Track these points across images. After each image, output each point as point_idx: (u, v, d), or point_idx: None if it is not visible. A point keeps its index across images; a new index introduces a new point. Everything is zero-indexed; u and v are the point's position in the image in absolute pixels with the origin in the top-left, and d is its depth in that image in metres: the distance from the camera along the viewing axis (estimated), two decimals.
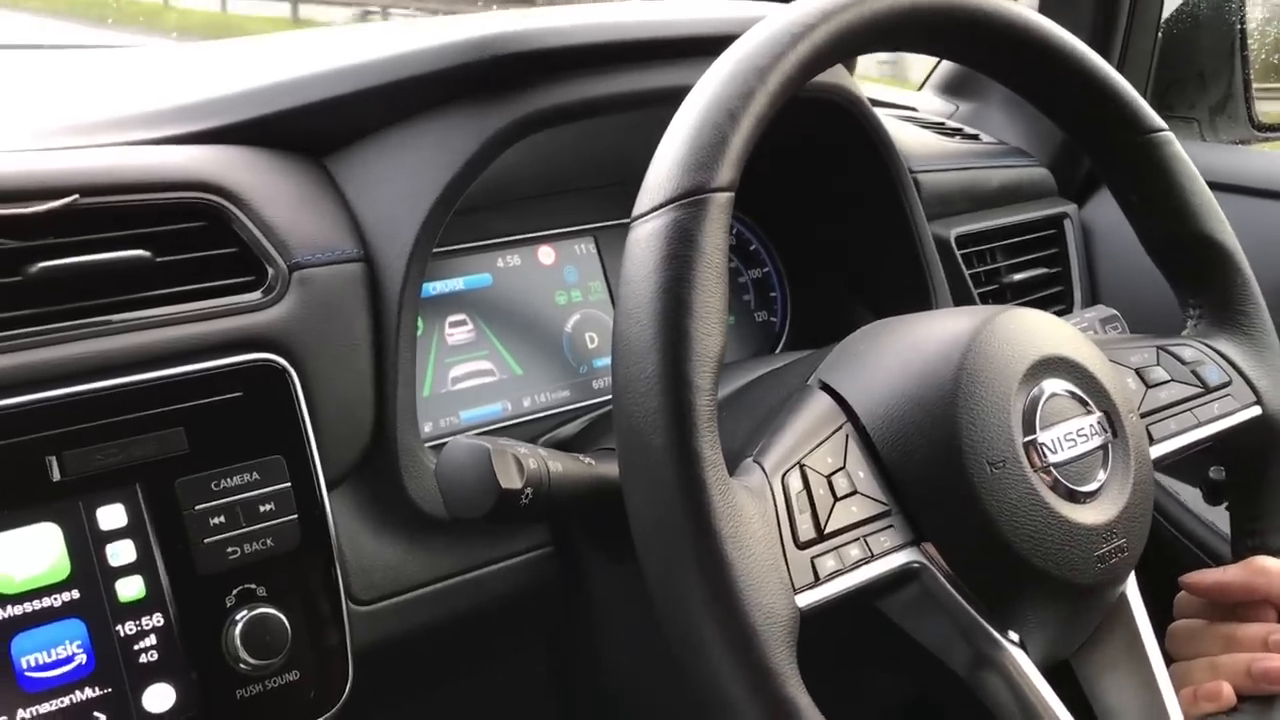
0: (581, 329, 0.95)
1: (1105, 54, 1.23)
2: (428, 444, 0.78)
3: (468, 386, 0.88)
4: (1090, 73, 0.72)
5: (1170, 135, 0.75)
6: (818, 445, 0.60)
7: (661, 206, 0.56)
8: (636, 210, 0.58)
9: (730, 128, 0.57)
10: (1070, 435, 0.63)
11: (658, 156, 0.58)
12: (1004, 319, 0.65)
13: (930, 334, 0.65)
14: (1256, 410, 0.76)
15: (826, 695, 0.56)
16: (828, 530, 0.58)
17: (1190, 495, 1.22)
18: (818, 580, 0.56)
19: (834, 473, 0.60)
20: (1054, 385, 0.64)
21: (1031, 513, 0.60)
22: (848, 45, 0.62)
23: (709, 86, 0.59)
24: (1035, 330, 0.66)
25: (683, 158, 0.57)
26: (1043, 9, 1.27)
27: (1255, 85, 1.37)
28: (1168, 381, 0.74)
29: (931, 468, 0.61)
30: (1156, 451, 0.71)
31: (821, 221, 1.04)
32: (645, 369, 0.54)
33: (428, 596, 0.76)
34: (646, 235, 0.56)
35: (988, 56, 0.72)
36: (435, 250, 0.77)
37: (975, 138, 1.32)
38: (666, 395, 0.54)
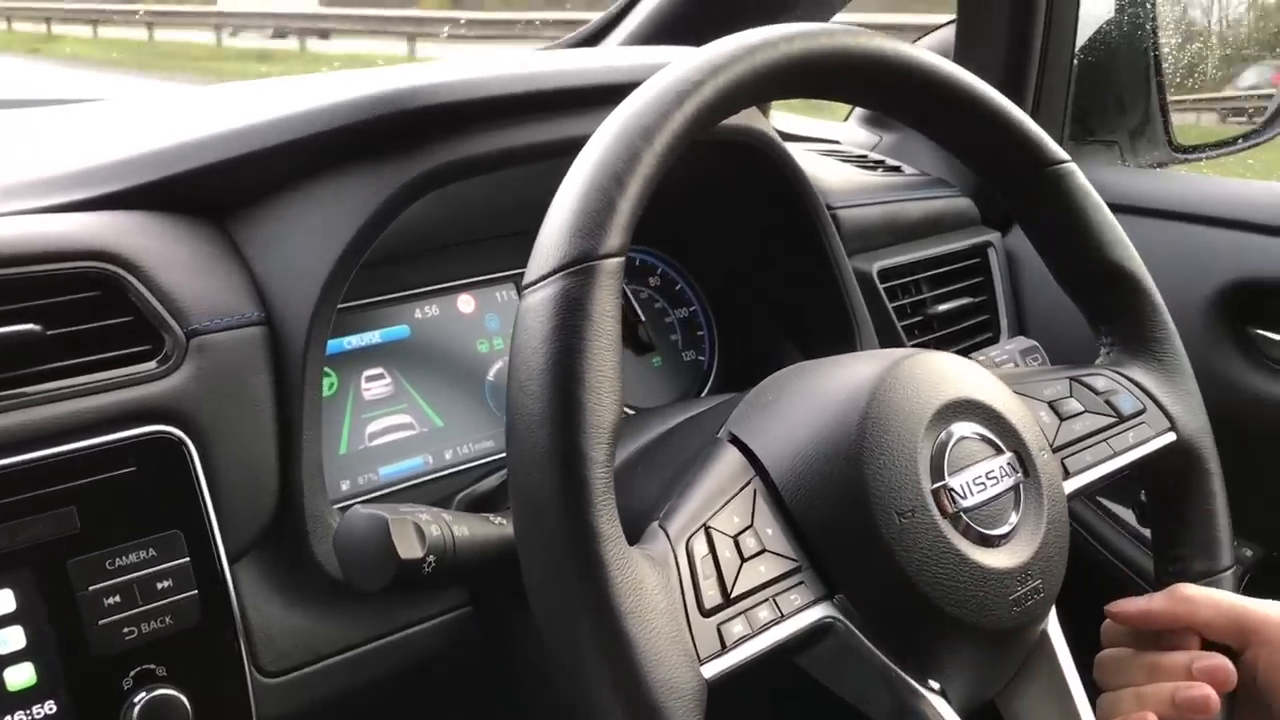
0: (504, 377, 0.92)
1: (1020, 87, 1.26)
2: (345, 503, 0.76)
3: (386, 441, 0.86)
4: (989, 109, 0.72)
5: (1073, 166, 0.76)
6: (724, 504, 0.59)
7: (550, 274, 0.55)
8: (526, 278, 0.57)
9: (617, 192, 0.56)
10: (980, 479, 0.63)
11: (546, 223, 0.57)
12: (909, 364, 0.65)
13: (837, 381, 0.65)
14: (1171, 436, 0.76)
15: None
16: (735, 594, 0.57)
17: (1124, 513, 1.22)
18: (724, 648, 0.55)
19: (741, 532, 0.59)
20: (962, 428, 0.64)
21: (943, 560, 0.60)
22: (738, 99, 0.62)
23: (595, 150, 0.58)
24: (941, 373, 0.65)
25: (570, 225, 0.56)
26: (957, 43, 1.29)
27: (1176, 99, 1.40)
28: (1081, 413, 0.74)
29: (840, 520, 0.60)
30: (1072, 485, 0.71)
31: (744, 260, 1.04)
32: (539, 443, 0.53)
33: (342, 664, 0.75)
34: (536, 304, 0.55)
35: (885, 100, 0.72)
36: (350, 304, 0.76)
37: (898, 169, 1.32)
38: (561, 469, 0.53)
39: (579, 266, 0.55)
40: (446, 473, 0.88)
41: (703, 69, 0.60)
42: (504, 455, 0.88)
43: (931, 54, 0.71)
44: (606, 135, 0.59)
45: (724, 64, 0.61)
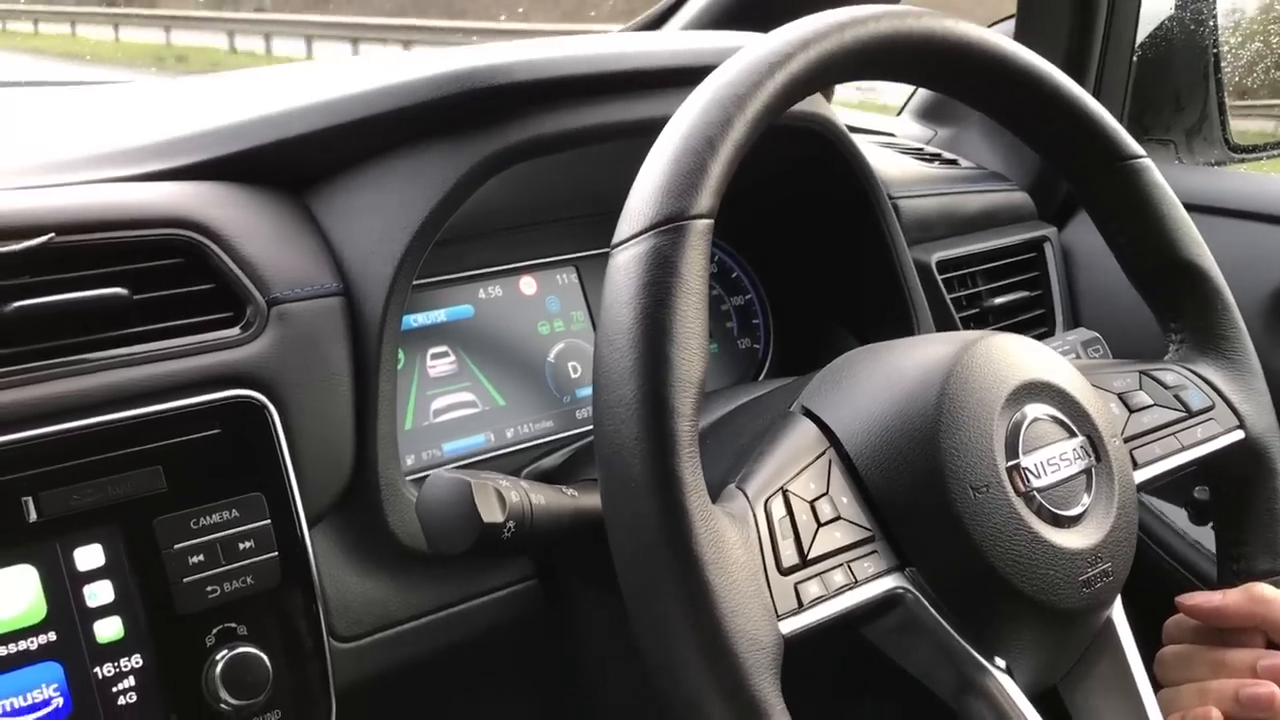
0: (564, 359, 0.94)
1: (1081, 80, 1.24)
2: (410, 477, 0.77)
3: (450, 419, 0.87)
4: (1068, 101, 0.73)
5: (1148, 162, 0.76)
6: (801, 471, 0.60)
7: (642, 233, 0.56)
8: (617, 237, 0.58)
9: (709, 155, 0.57)
10: (1053, 460, 0.63)
11: (638, 183, 0.58)
12: (985, 344, 0.65)
13: (912, 360, 0.65)
14: (1239, 434, 0.76)
15: None
16: (811, 556, 0.58)
17: (1176, 515, 1.22)
18: (801, 606, 0.56)
19: (817, 498, 0.59)
20: (1036, 410, 0.64)
21: (1015, 537, 0.60)
22: (826, 74, 0.63)
23: (689, 114, 0.59)
24: (1017, 355, 0.66)
25: (663, 185, 0.57)
26: (1018, 37, 1.29)
27: (1235, 104, 1.39)
28: (1150, 406, 0.74)
29: (914, 493, 0.60)
30: (1140, 476, 0.71)
31: (802, 248, 1.04)
32: (626, 394, 0.54)
33: (411, 632, 0.76)
34: (626, 261, 0.56)
35: (967, 86, 0.73)
36: (416, 282, 0.77)
37: (954, 162, 1.32)
38: (647, 421, 0.53)
39: (670, 225, 0.56)
40: (508, 451, 0.89)
41: (794, 43, 0.61)
42: (563, 435, 0.91)
43: (1013, 42, 0.71)
44: (701, 100, 0.60)
45: (814, 39, 0.62)
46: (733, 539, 0.55)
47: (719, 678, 0.52)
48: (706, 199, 0.57)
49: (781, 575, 0.56)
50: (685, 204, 0.56)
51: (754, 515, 0.57)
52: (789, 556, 0.57)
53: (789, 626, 0.55)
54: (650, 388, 0.54)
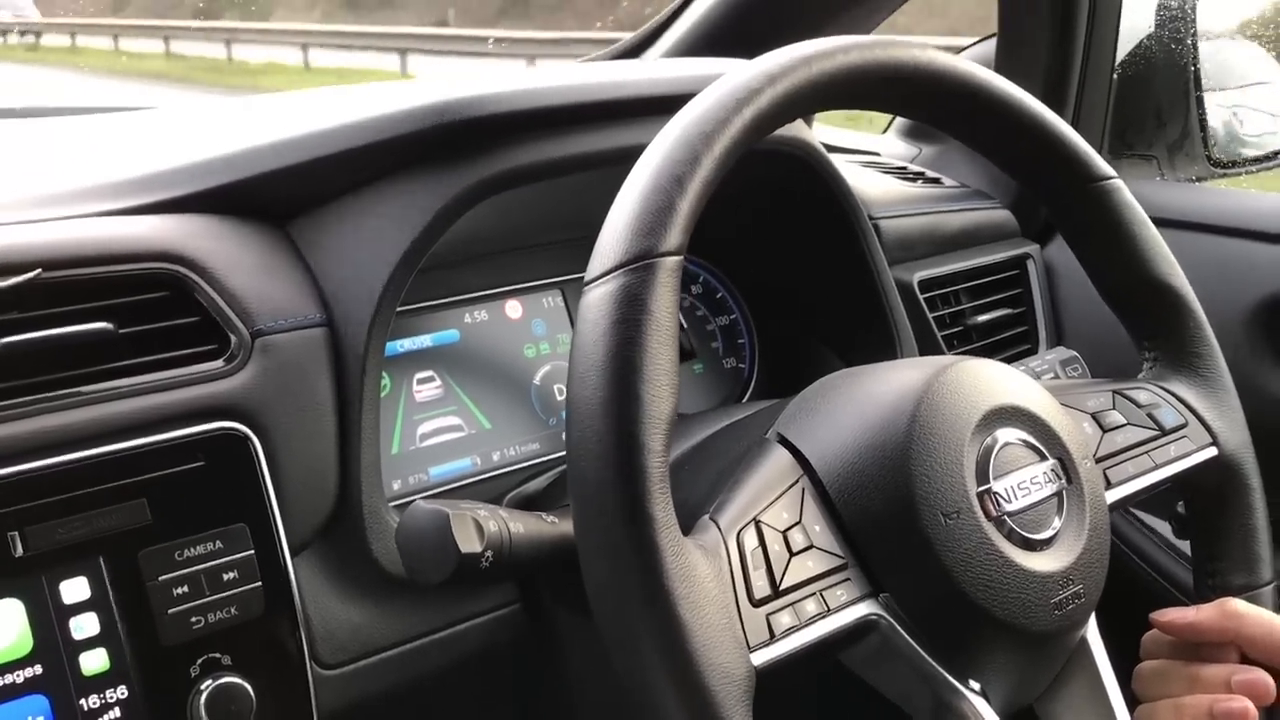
0: (550, 381, 0.95)
1: (1061, 98, 1.26)
2: (397, 501, 0.78)
3: (437, 443, 0.88)
4: (1038, 125, 0.74)
5: (1119, 183, 0.77)
6: (774, 500, 0.61)
7: (612, 271, 0.57)
8: (588, 275, 0.59)
9: (678, 194, 0.58)
10: (1024, 484, 0.64)
11: (608, 222, 0.59)
12: (956, 370, 0.66)
13: (884, 386, 0.66)
14: (1213, 451, 0.77)
15: None
16: (783, 586, 0.58)
17: (1160, 526, 1.23)
18: (773, 638, 0.57)
19: (790, 528, 0.60)
20: (1007, 434, 0.65)
21: (987, 562, 0.61)
22: (795, 107, 0.64)
23: (657, 152, 0.60)
24: (988, 380, 0.67)
25: (632, 223, 0.58)
26: (999, 56, 1.30)
27: None
28: (1124, 425, 0.75)
29: (887, 520, 0.61)
30: (1114, 495, 0.72)
31: (786, 269, 1.05)
32: (598, 431, 0.55)
33: (395, 658, 0.77)
34: (597, 300, 0.57)
35: (937, 113, 0.74)
36: (402, 308, 0.78)
37: (937, 181, 1.33)
38: (619, 458, 0.54)
39: (640, 263, 0.57)
40: (494, 474, 0.90)
41: (761, 78, 0.62)
42: (550, 458, 0.92)
43: (981, 68, 0.72)
44: (668, 138, 0.61)
45: (781, 73, 0.63)
46: (704, 573, 0.56)
47: (691, 710, 0.53)
48: (675, 236, 0.58)
49: (753, 606, 0.57)
50: (654, 242, 0.57)
51: (726, 547, 0.58)
52: (761, 588, 0.58)
53: (761, 658, 0.56)
54: (621, 425, 0.55)
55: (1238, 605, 0.73)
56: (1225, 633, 0.72)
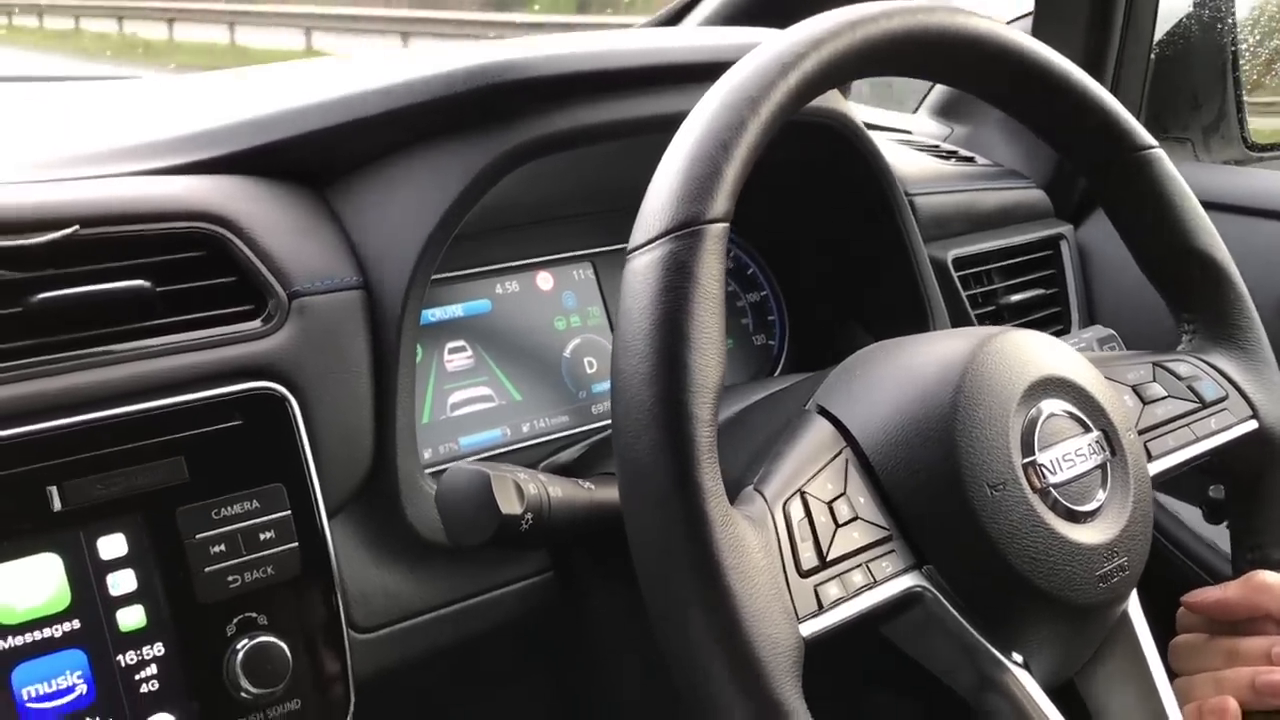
0: (580, 354, 0.95)
1: (1098, 77, 1.24)
2: (427, 470, 0.78)
3: (467, 412, 0.88)
4: (1081, 93, 0.73)
5: (1161, 153, 0.76)
6: (818, 472, 0.60)
7: (658, 239, 0.57)
8: (632, 242, 0.58)
9: (724, 159, 0.57)
10: (1069, 455, 0.64)
11: (652, 188, 0.59)
12: (1000, 340, 0.65)
13: (927, 357, 0.65)
14: (1253, 424, 0.76)
15: None
16: (830, 557, 0.58)
17: (1190, 515, 1.22)
18: (821, 608, 0.56)
19: (835, 499, 0.60)
20: (1052, 406, 0.64)
21: (1032, 534, 0.61)
22: (839, 73, 0.63)
23: (702, 117, 0.59)
24: (1032, 351, 0.66)
25: (677, 189, 0.57)
26: (1035, 34, 1.29)
27: (1254, 101, 1.39)
28: (1164, 398, 0.74)
29: (931, 491, 0.61)
30: (1155, 468, 0.71)
31: (818, 245, 1.04)
32: (645, 401, 0.54)
33: (429, 623, 0.76)
34: (643, 267, 0.57)
35: (979, 80, 0.73)
36: (434, 277, 0.77)
37: (971, 160, 1.32)
38: (666, 427, 0.54)
39: (686, 230, 0.56)
40: (524, 445, 0.90)
41: (806, 42, 0.61)
42: (579, 430, 0.92)
43: (1026, 35, 0.71)
44: (713, 103, 0.60)
45: (826, 38, 0.62)
46: (752, 543, 0.55)
47: (741, 681, 0.53)
48: (722, 203, 0.57)
49: (801, 578, 0.57)
50: (701, 208, 0.56)
51: (773, 518, 0.57)
52: (808, 559, 0.57)
53: (809, 629, 0.56)
54: (669, 394, 0.54)
55: (1265, 577, 0.72)
56: (1255, 606, 0.72)
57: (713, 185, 0.57)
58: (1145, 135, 0.75)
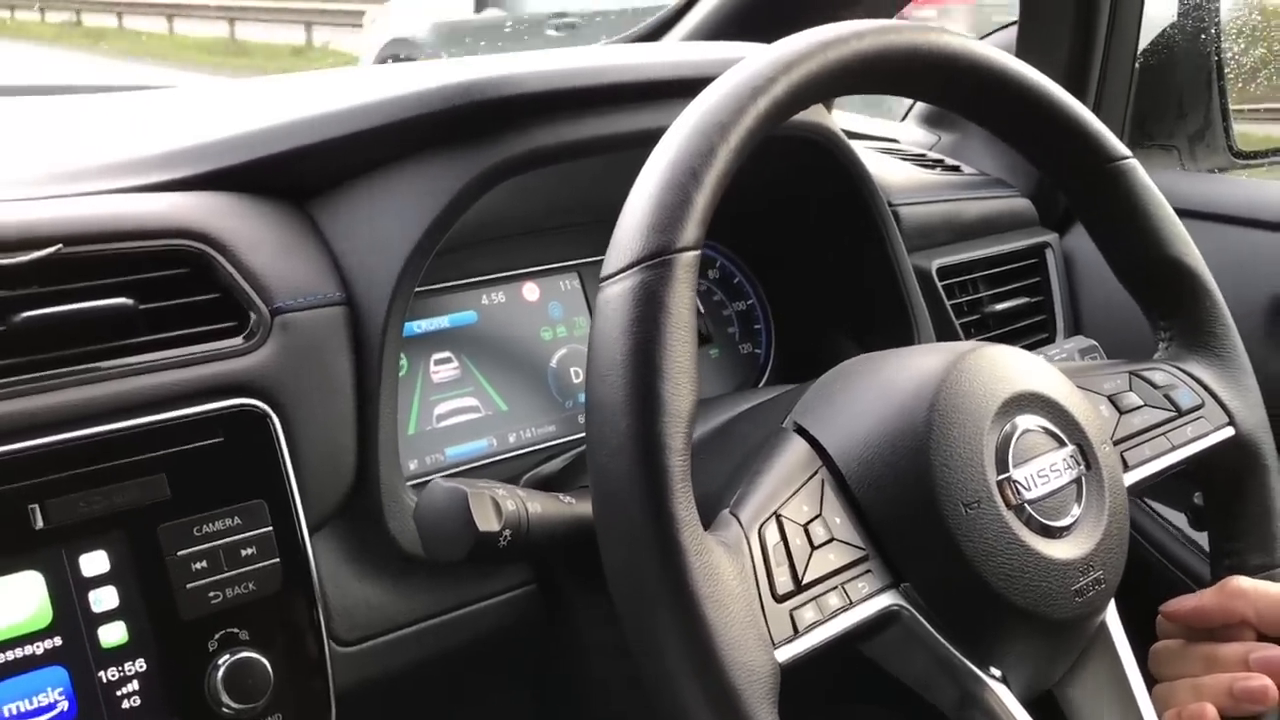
0: (566, 364, 0.95)
1: (1082, 90, 1.26)
2: (413, 481, 0.78)
3: (453, 423, 0.88)
4: (1054, 105, 0.73)
5: (1135, 163, 0.76)
6: (794, 494, 0.61)
7: (629, 268, 0.57)
8: (605, 270, 0.58)
9: (694, 187, 0.58)
10: (1044, 471, 0.64)
11: (624, 217, 0.59)
12: (975, 357, 0.66)
13: (903, 373, 0.66)
14: (1229, 431, 0.77)
15: None
16: (806, 581, 0.58)
17: (1176, 521, 1.22)
18: (797, 633, 0.57)
19: (810, 521, 0.60)
20: (1026, 421, 0.65)
21: (1007, 551, 0.61)
22: (811, 94, 0.63)
23: (671, 145, 0.60)
24: (1006, 367, 0.66)
25: (648, 219, 0.57)
26: (1019, 44, 1.29)
27: (1240, 108, 1.39)
28: (1140, 407, 0.75)
29: (907, 510, 0.61)
30: (1132, 478, 0.72)
31: (804, 254, 1.05)
32: (619, 431, 0.55)
33: (411, 636, 0.77)
34: (615, 296, 0.57)
35: (953, 97, 0.74)
36: (420, 289, 0.78)
37: (956, 169, 1.33)
38: (640, 457, 0.54)
39: (656, 260, 0.56)
40: (510, 455, 0.90)
41: (776, 65, 0.62)
42: (565, 440, 0.92)
43: (997, 50, 0.72)
44: (682, 130, 0.60)
45: (796, 60, 0.62)
46: (727, 571, 0.55)
47: (717, 710, 0.53)
48: (692, 231, 0.57)
49: (777, 603, 0.57)
50: (671, 238, 0.57)
51: (748, 543, 0.58)
52: (784, 583, 0.58)
53: (785, 654, 0.56)
54: (642, 424, 0.54)
55: (1240, 583, 0.73)
56: (1230, 613, 0.72)
57: (683, 214, 0.57)
58: (1119, 146, 0.76)
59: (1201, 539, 1.19)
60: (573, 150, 0.79)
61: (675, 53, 0.90)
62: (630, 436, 0.54)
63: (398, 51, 4.77)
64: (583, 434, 0.92)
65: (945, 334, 1.10)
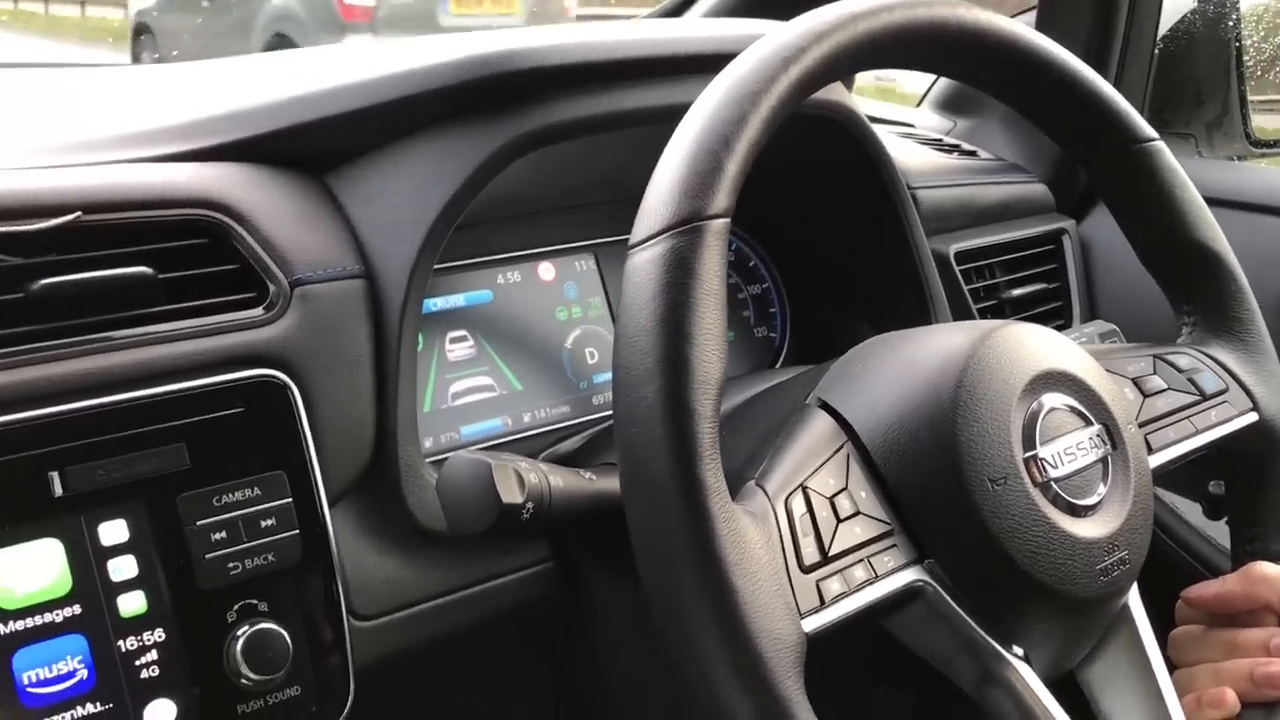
0: (581, 345, 0.95)
1: (1101, 71, 1.25)
2: (428, 459, 0.78)
3: (468, 402, 0.88)
4: (1082, 85, 0.73)
5: (1161, 145, 0.76)
6: (820, 466, 0.60)
7: (659, 234, 0.56)
8: (634, 238, 0.58)
9: (725, 154, 0.57)
10: (1070, 449, 0.64)
11: (654, 183, 0.58)
12: (1002, 334, 0.65)
13: (929, 350, 0.65)
14: (1253, 416, 0.77)
15: (835, 713, 0.56)
16: (832, 553, 0.58)
17: (1190, 510, 1.22)
18: (823, 604, 0.57)
19: (836, 494, 0.60)
20: (1053, 399, 0.64)
21: (1033, 528, 0.61)
22: (841, 66, 0.63)
23: (703, 111, 0.59)
24: (1033, 345, 0.66)
25: (679, 185, 0.57)
26: (1039, 29, 1.28)
27: (1257, 99, 1.38)
28: (1165, 390, 0.74)
29: (932, 485, 0.61)
30: (1155, 461, 0.71)
31: (820, 237, 1.04)
32: (646, 397, 0.54)
33: (429, 611, 0.76)
34: (645, 263, 0.56)
35: (981, 72, 0.73)
36: (436, 267, 0.77)
37: (973, 154, 1.32)
38: (668, 423, 0.54)
39: (687, 226, 0.56)
40: (524, 435, 0.90)
41: (807, 35, 0.61)
42: (580, 421, 0.92)
43: (1026, 26, 0.71)
44: (714, 98, 0.60)
45: (828, 31, 0.62)
46: (755, 539, 0.55)
47: (743, 677, 0.53)
48: (723, 198, 0.57)
49: (803, 573, 0.57)
50: (702, 204, 0.56)
51: (775, 513, 0.57)
52: (810, 554, 0.57)
53: (811, 624, 0.56)
54: (671, 390, 0.54)
55: (1264, 569, 0.72)
56: (1254, 598, 0.72)
57: (714, 180, 0.57)
58: (1146, 128, 0.75)
59: (1214, 529, 1.19)
60: (592, 124, 0.79)
61: (696, 28, 0.90)
62: (658, 403, 0.54)
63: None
64: (597, 415, 0.93)
65: (962, 318, 1.09)
